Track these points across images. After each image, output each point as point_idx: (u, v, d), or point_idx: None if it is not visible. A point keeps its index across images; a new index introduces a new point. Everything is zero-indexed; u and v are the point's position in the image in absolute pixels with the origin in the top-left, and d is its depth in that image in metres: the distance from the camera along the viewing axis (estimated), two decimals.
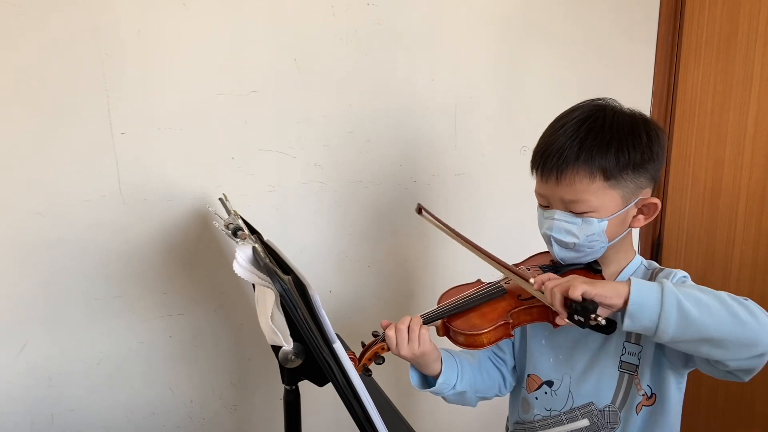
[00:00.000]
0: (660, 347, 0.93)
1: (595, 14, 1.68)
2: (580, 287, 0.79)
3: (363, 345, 0.99)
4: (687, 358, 0.91)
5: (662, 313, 0.77)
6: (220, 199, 1.17)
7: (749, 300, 0.82)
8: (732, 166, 1.78)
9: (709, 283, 0.93)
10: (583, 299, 0.79)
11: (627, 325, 0.79)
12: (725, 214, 1.81)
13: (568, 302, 0.81)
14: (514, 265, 1.11)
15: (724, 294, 0.81)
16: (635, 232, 1.94)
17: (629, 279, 0.80)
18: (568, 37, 1.65)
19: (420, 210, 1.14)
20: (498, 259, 0.99)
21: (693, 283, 0.92)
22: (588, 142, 0.90)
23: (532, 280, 0.89)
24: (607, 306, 0.80)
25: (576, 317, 0.79)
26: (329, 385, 0.79)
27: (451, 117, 1.53)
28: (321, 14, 1.32)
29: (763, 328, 0.78)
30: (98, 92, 1.15)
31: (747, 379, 0.84)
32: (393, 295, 1.57)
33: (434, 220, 1.10)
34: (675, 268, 0.98)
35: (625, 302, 0.78)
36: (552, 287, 0.84)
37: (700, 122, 1.83)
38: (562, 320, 0.84)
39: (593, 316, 0.77)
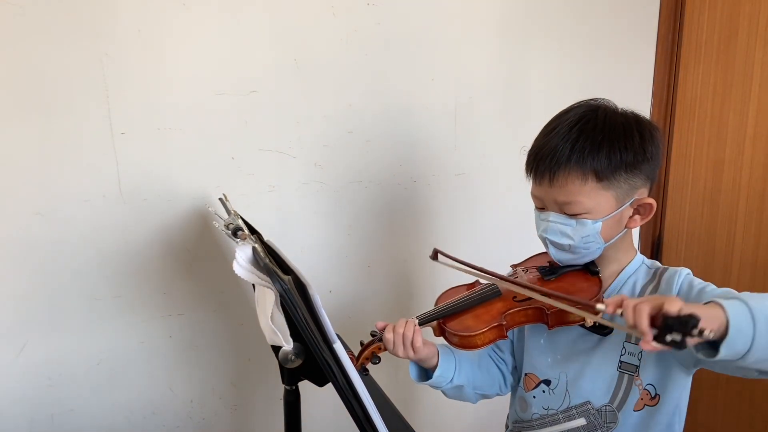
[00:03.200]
0: None
1: (595, 14, 1.68)
2: (677, 302, 0.68)
3: (362, 344, 1.00)
4: (698, 359, 0.90)
5: (755, 336, 0.70)
6: (220, 199, 1.17)
7: None
8: (732, 166, 1.78)
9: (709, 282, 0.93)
10: (680, 314, 0.67)
11: (724, 353, 0.70)
12: (725, 214, 1.81)
13: (658, 321, 0.68)
14: (512, 265, 1.11)
15: None
16: (635, 232, 1.94)
17: (714, 302, 0.71)
18: (568, 38, 1.65)
19: (436, 255, 1.07)
20: (542, 289, 0.93)
21: (704, 283, 0.92)
22: (579, 144, 0.91)
23: (600, 306, 0.77)
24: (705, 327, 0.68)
25: (669, 337, 0.66)
26: (329, 385, 0.79)
27: (451, 117, 1.53)
28: (321, 14, 1.32)
29: None
30: (98, 92, 1.15)
31: None
32: (393, 295, 1.57)
33: (453, 263, 1.03)
34: (679, 267, 0.97)
35: (722, 327, 0.69)
36: (636, 304, 0.71)
37: (700, 122, 1.83)
38: (648, 344, 0.69)
39: (696, 330, 0.65)
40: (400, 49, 1.42)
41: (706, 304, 0.73)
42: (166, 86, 1.20)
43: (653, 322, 0.69)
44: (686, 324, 0.66)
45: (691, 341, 0.66)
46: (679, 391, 0.96)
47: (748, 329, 0.69)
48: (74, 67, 1.13)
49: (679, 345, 0.66)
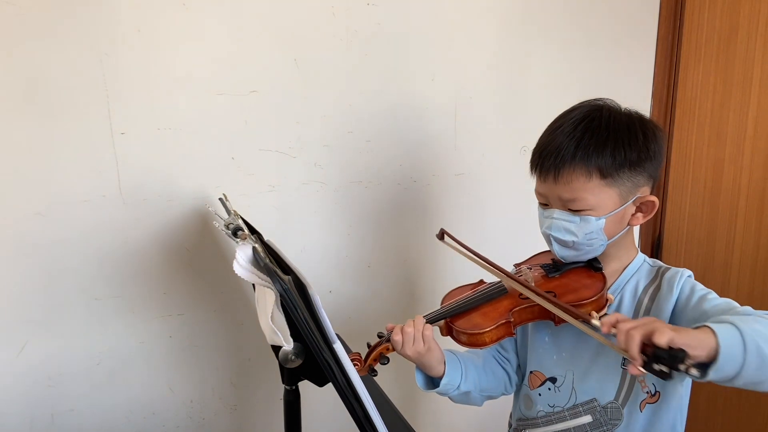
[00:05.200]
0: None
1: (595, 14, 1.68)
2: (667, 333, 0.70)
3: (368, 346, 1.00)
4: None
5: (745, 362, 0.72)
6: (220, 199, 1.17)
7: None
8: (732, 166, 1.78)
9: (709, 282, 0.93)
10: (670, 348, 0.69)
11: (711, 377, 0.72)
12: (725, 214, 1.81)
13: (648, 349, 0.70)
14: (515, 264, 1.11)
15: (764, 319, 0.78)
16: (635, 232, 1.94)
17: (707, 327, 0.73)
18: (568, 38, 1.65)
19: (442, 236, 1.08)
20: (538, 291, 0.94)
21: (705, 290, 0.92)
22: (584, 141, 0.92)
23: (595, 322, 0.80)
24: (692, 357, 0.71)
25: (657, 367, 0.69)
26: (329, 385, 0.79)
27: (451, 117, 1.53)
28: (321, 14, 1.32)
29: None
30: (98, 92, 1.15)
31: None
32: (393, 295, 1.57)
33: (458, 246, 1.04)
34: (681, 268, 0.98)
35: (714, 353, 0.71)
36: (628, 329, 0.73)
37: (700, 122, 1.83)
38: (636, 369, 0.71)
39: (682, 367, 0.67)
40: (400, 49, 1.42)
41: (698, 327, 0.74)
42: (166, 86, 1.20)
43: (644, 348, 0.71)
44: (674, 358, 0.68)
45: (677, 373, 0.68)
46: (679, 390, 0.97)
47: (739, 355, 0.71)
48: (74, 67, 1.13)
49: (666, 376, 0.69)
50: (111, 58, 1.15)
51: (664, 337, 0.69)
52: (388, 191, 1.49)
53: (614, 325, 0.76)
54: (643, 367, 0.70)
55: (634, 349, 0.71)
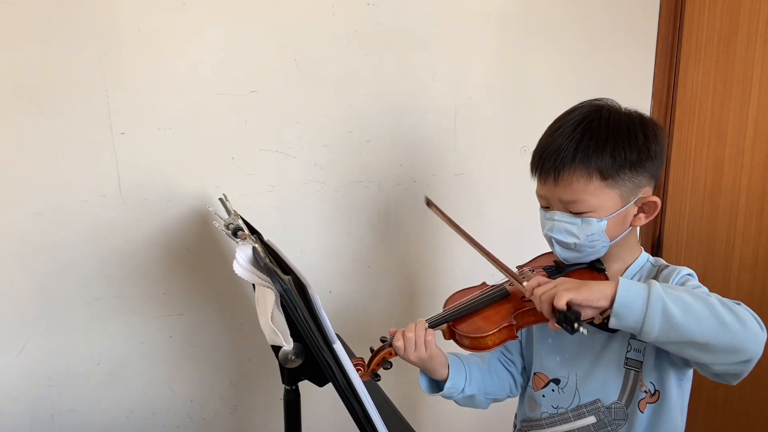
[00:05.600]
0: None
1: (595, 14, 1.68)
2: (564, 296, 0.82)
3: (371, 350, 1.00)
4: (686, 359, 0.91)
5: (647, 315, 0.79)
6: (220, 199, 1.17)
7: (741, 305, 0.83)
8: (732, 166, 1.78)
9: (709, 282, 0.93)
10: (568, 308, 0.81)
11: (612, 323, 0.82)
12: (725, 214, 1.81)
13: (555, 310, 0.83)
14: (518, 266, 1.11)
15: (714, 299, 0.82)
16: (635, 232, 1.94)
17: (618, 279, 0.83)
18: (568, 38, 1.65)
19: (428, 203, 1.14)
20: (499, 261, 1.00)
21: (696, 284, 0.93)
22: (584, 143, 0.92)
23: (525, 284, 0.92)
24: (595, 308, 0.82)
25: (564, 324, 0.82)
26: (329, 385, 0.79)
27: (451, 117, 1.53)
28: (321, 14, 1.32)
29: (750, 335, 0.79)
30: (98, 92, 1.15)
31: (734, 383, 0.86)
32: (393, 295, 1.57)
33: (441, 215, 1.10)
34: (682, 267, 0.98)
35: (612, 303, 0.81)
36: (540, 295, 0.86)
37: (700, 122, 1.83)
38: (553, 326, 0.86)
39: (576, 325, 0.80)
40: (400, 49, 1.42)
41: (613, 281, 0.83)
42: (166, 86, 1.20)
43: (554, 309, 0.84)
44: (569, 319, 0.80)
45: (577, 330, 0.80)
46: (678, 390, 0.97)
47: (640, 308, 0.80)
48: (74, 67, 1.13)
49: (572, 332, 0.80)
50: (111, 58, 1.15)
51: (561, 300, 0.81)
52: (388, 191, 1.49)
53: (533, 290, 0.88)
54: (558, 324, 0.83)
55: (546, 312, 0.85)
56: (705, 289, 0.91)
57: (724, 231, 1.82)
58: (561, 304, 0.81)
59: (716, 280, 1.84)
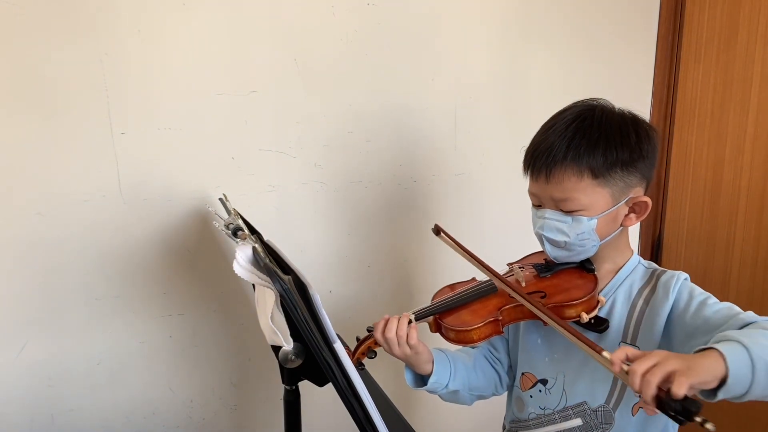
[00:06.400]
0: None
1: (595, 14, 1.68)
2: (685, 383, 0.66)
3: (357, 340, 1.01)
4: None
5: (753, 382, 0.71)
6: (220, 199, 1.17)
7: None
8: (732, 166, 1.78)
9: (709, 282, 0.93)
10: (685, 398, 0.66)
11: (720, 398, 0.72)
12: (725, 214, 1.81)
13: (663, 393, 0.68)
14: (508, 264, 1.11)
15: None
16: (635, 231, 1.94)
17: (714, 350, 0.71)
18: (567, 38, 1.65)
19: (438, 231, 1.09)
20: (520, 290, 0.95)
21: (705, 294, 0.90)
22: (576, 141, 0.92)
23: (606, 355, 0.75)
24: (705, 390, 0.72)
25: (672, 412, 0.67)
26: (329, 385, 0.79)
27: (451, 117, 1.53)
28: (321, 14, 1.32)
29: None
30: (98, 92, 1.15)
31: None
32: (393, 295, 1.57)
33: (452, 243, 1.06)
34: (675, 268, 0.98)
35: (722, 380, 0.71)
36: (644, 372, 0.69)
37: (700, 122, 1.83)
38: (652, 411, 0.70)
39: (700, 419, 0.66)
40: (400, 49, 1.42)
41: (704, 350, 0.72)
42: (166, 86, 1.20)
43: (658, 391, 0.68)
44: (689, 412, 0.66)
45: (707, 424, 0.66)
46: None
47: (747, 375, 0.71)
48: (74, 67, 1.12)
49: (682, 422, 0.67)
50: (111, 58, 1.15)
51: (682, 388, 0.66)
52: (388, 191, 1.49)
53: (624, 361, 0.73)
54: (658, 408, 0.68)
55: (650, 396, 0.68)
56: (715, 299, 0.89)
57: (724, 231, 1.82)
58: (681, 392, 0.66)
59: (716, 280, 1.84)
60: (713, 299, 0.90)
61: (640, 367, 0.69)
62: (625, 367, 0.72)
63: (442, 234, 1.09)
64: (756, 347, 0.72)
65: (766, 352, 0.72)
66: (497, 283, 0.99)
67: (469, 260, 1.02)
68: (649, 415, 0.73)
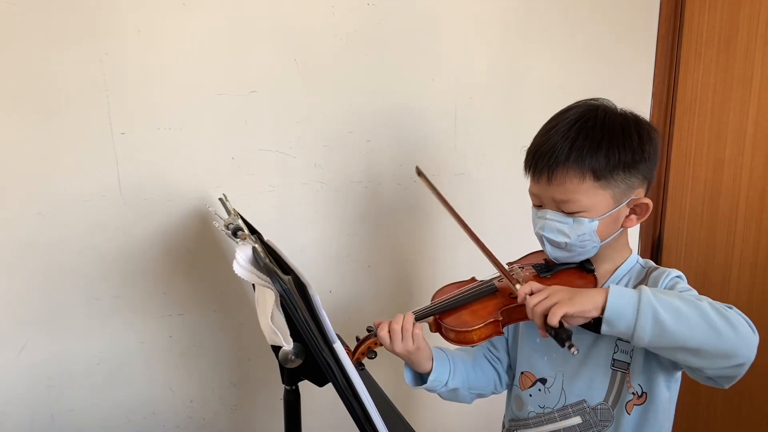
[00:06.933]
0: None
1: (595, 14, 1.68)
2: (558, 312, 0.82)
3: (357, 339, 1.01)
4: (675, 362, 0.91)
5: (638, 321, 0.80)
6: (220, 199, 1.17)
7: (733, 309, 0.83)
8: (732, 166, 1.78)
9: (709, 282, 0.93)
10: (560, 325, 0.82)
11: (604, 329, 0.83)
12: (725, 214, 1.81)
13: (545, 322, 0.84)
14: (508, 263, 1.11)
15: (706, 303, 0.82)
16: (635, 232, 1.94)
17: (608, 287, 0.83)
18: (567, 38, 1.65)
19: (419, 172, 1.17)
20: (491, 253, 1.01)
21: (685, 286, 0.93)
22: (578, 143, 0.92)
23: (518, 287, 0.92)
24: (587, 318, 0.84)
25: (555, 339, 0.83)
26: (329, 385, 0.79)
27: (451, 117, 1.53)
28: (321, 14, 1.32)
29: (742, 339, 0.80)
30: (98, 92, 1.15)
31: (727, 386, 0.86)
32: (393, 295, 1.57)
33: (431, 187, 1.13)
34: (675, 268, 0.98)
35: (603, 311, 0.82)
36: (533, 306, 0.85)
37: (700, 122, 1.83)
38: (543, 334, 0.86)
39: (566, 345, 0.81)
40: (400, 49, 1.42)
41: (605, 288, 0.84)
42: (166, 86, 1.20)
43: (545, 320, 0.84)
44: (560, 337, 0.81)
45: (572, 349, 0.81)
46: (666, 392, 0.96)
47: (631, 314, 0.81)
48: (74, 67, 1.13)
49: (561, 345, 0.82)
50: (111, 58, 1.15)
51: (555, 317, 0.81)
52: (388, 191, 1.49)
53: (529, 294, 0.88)
54: (547, 333, 0.84)
55: (538, 323, 0.85)
56: (695, 292, 0.91)
57: (724, 231, 1.82)
58: (554, 321, 0.82)
59: (716, 280, 1.84)
60: (692, 291, 0.91)
61: (532, 300, 0.86)
62: (527, 301, 0.87)
63: (422, 176, 1.16)
64: (653, 297, 0.81)
65: (664, 305, 0.80)
66: (479, 249, 1.03)
67: (448, 209, 1.08)
68: (542, 337, 0.88)
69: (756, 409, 1.79)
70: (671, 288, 0.93)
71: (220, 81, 1.25)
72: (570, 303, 0.82)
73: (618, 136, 0.92)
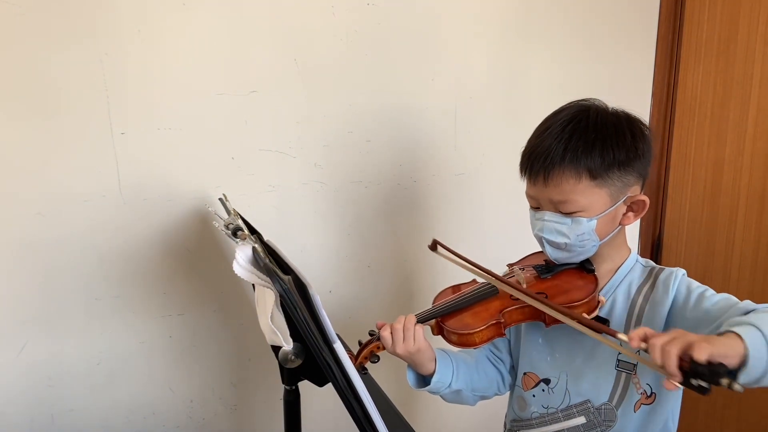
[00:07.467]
0: None
1: (595, 14, 1.68)
2: (705, 348, 0.67)
3: (360, 344, 1.00)
4: None
5: None
6: (220, 199, 1.17)
7: None
8: (732, 166, 1.78)
9: (709, 282, 0.93)
10: (710, 362, 0.67)
11: (743, 380, 0.71)
12: (725, 214, 1.81)
13: (685, 364, 0.68)
14: (508, 264, 1.11)
15: None
16: (635, 232, 1.94)
17: (732, 332, 0.72)
18: (567, 37, 1.65)
19: (435, 246, 1.07)
20: (528, 292, 0.95)
21: (701, 286, 0.92)
22: (573, 143, 0.92)
23: (622, 336, 0.77)
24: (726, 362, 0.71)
25: (696, 382, 0.67)
26: (329, 385, 0.79)
27: (451, 117, 1.53)
28: (321, 14, 1.32)
29: None
30: (98, 92, 1.15)
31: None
32: (393, 295, 1.57)
33: (451, 255, 1.05)
34: (675, 267, 0.98)
35: (742, 359, 0.70)
36: (663, 344, 0.70)
37: (700, 122, 1.83)
38: (672, 384, 0.70)
39: (726, 381, 0.65)
40: (400, 49, 1.42)
41: (722, 334, 0.73)
42: (166, 86, 1.20)
43: (680, 363, 0.69)
44: (715, 374, 0.66)
45: (724, 385, 0.66)
46: (674, 392, 0.96)
47: (765, 356, 0.71)
48: (74, 67, 1.12)
49: (705, 391, 0.66)
50: (111, 58, 1.15)
51: (704, 353, 0.67)
52: (388, 191, 1.49)
53: (644, 339, 0.73)
54: (682, 382, 0.68)
55: (673, 366, 0.69)
56: (728, 296, 0.88)
57: (724, 231, 1.82)
58: (703, 357, 0.66)
59: (716, 280, 1.84)
60: (711, 291, 0.91)
61: (659, 341, 0.70)
62: (643, 345, 0.72)
63: (439, 248, 1.06)
64: (766, 326, 0.72)
65: None
66: (504, 287, 0.98)
67: (473, 271, 1.01)
68: (669, 389, 0.71)
69: (755, 409, 1.80)
70: (687, 291, 0.91)
71: (220, 81, 1.25)
72: (710, 342, 0.69)
73: (611, 135, 0.93)
